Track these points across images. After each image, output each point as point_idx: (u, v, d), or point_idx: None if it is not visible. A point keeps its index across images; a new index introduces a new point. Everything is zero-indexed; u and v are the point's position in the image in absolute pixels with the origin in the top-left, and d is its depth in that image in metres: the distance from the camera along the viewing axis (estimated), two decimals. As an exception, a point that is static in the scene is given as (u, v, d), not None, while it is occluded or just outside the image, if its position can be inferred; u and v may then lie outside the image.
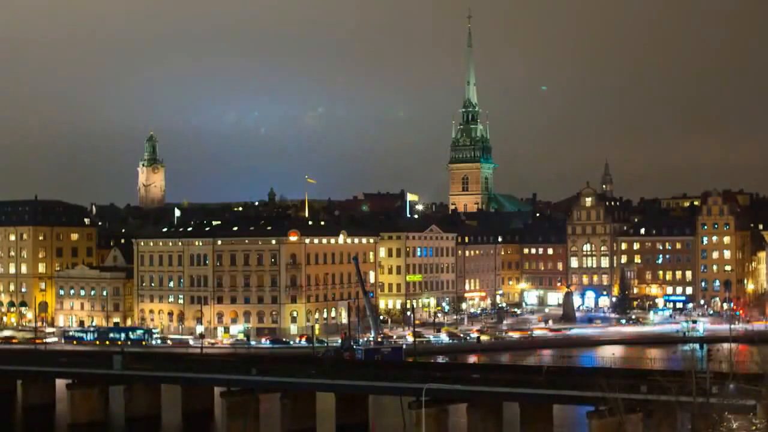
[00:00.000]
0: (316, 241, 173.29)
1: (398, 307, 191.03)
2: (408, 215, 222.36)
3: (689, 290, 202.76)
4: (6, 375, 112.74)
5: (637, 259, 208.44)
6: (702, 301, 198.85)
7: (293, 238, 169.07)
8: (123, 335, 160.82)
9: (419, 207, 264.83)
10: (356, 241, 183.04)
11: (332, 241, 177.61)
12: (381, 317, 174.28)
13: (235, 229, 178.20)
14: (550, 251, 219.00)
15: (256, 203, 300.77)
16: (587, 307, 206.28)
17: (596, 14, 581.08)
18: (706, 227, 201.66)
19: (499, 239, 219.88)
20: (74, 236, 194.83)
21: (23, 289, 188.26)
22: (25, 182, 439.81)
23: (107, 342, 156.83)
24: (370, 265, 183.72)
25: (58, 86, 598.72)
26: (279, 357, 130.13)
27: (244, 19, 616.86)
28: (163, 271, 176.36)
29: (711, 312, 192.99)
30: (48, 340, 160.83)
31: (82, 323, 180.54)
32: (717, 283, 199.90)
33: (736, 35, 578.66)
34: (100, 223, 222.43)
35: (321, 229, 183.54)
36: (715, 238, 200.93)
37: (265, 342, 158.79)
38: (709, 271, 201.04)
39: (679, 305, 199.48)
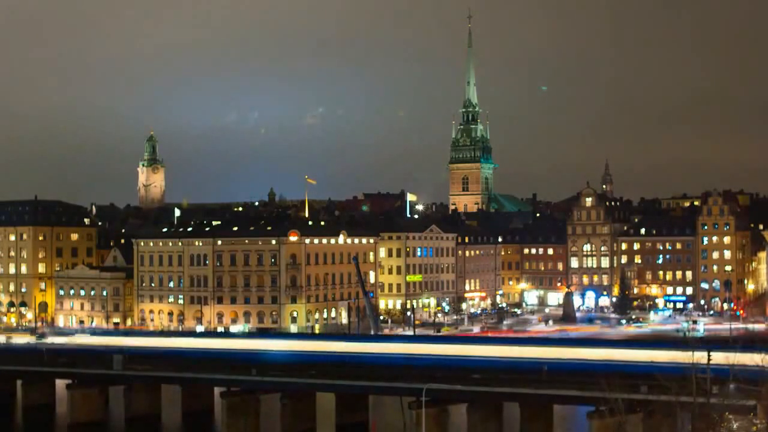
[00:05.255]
0: (316, 241, 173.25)
1: (398, 307, 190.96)
2: (408, 215, 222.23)
3: (689, 290, 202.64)
4: (6, 375, 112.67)
5: (638, 259, 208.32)
6: (702, 302, 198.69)
7: (293, 238, 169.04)
8: None
9: (419, 207, 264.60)
10: (356, 241, 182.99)
11: (332, 241, 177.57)
12: (381, 317, 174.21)
13: (235, 229, 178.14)
14: (550, 251, 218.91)
15: (256, 203, 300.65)
16: (587, 307, 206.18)
17: (596, 14, 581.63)
18: (706, 227, 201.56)
19: (499, 239, 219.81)
20: (74, 236, 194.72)
21: (23, 289, 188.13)
22: (25, 182, 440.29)
23: None
24: (370, 265, 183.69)
25: (58, 86, 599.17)
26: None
27: (244, 19, 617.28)
28: (163, 271, 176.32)
29: (711, 312, 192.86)
30: None
31: (81, 323, 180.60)
32: (717, 283, 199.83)
33: (735, 35, 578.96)
34: (100, 223, 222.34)
35: (321, 229, 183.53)
36: (715, 238, 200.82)
37: None
38: (710, 271, 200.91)
39: (680, 305, 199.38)
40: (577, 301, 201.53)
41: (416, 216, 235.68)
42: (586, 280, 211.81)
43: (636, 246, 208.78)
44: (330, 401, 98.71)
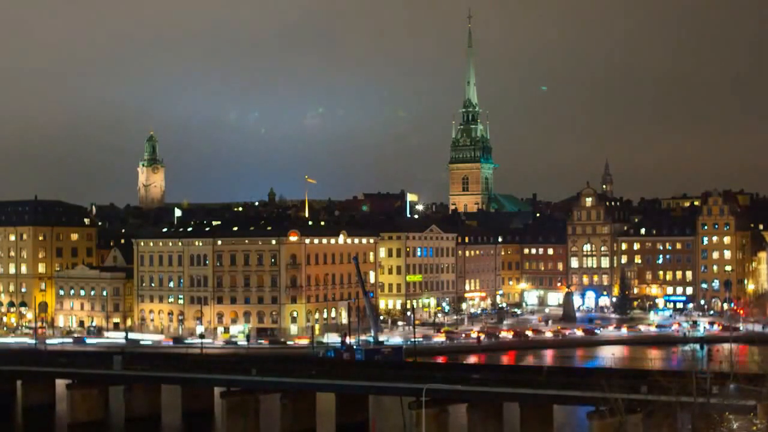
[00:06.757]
0: (316, 241, 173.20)
1: (398, 307, 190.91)
2: (408, 215, 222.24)
3: (689, 290, 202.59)
4: (6, 375, 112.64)
5: (638, 259, 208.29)
6: (702, 301, 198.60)
7: (293, 238, 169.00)
8: None
9: (419, 207, 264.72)
10: (356, 241, 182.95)
11: (332, 241, 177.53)
12: (381, 317, 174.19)
13: (235, 229, 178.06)
14: (550, 251, 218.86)
15: (256, 203, 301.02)
16: (587, 307, 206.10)
17: (596, 14, 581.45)
18: (706, 227, 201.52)
19: (499, 239, 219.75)
20: (74, 236, 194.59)
21: (23, 289, 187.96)
22: (25, 182, 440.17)
23: None
24: (370, 265, 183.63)
25: (58, 86, 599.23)
26: (279, 357, 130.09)
27: (244, 19, 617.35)
28: (163, 271, 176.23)
29: (711, 312, 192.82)
30: None
31: (81, 323, 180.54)
32: (717, 283, 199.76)
33: (736, 36, 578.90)
34: (100, 223, 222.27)
35: (321, 229, 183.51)
36: (715, 238, 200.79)
37: None
38: (710, 271, 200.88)
39: (680, 305, 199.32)
40: (577, 301, 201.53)
41: (416, 216, 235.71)
42: (586, 280, 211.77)
43: (636, 246, 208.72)
44: (330, 401, 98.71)
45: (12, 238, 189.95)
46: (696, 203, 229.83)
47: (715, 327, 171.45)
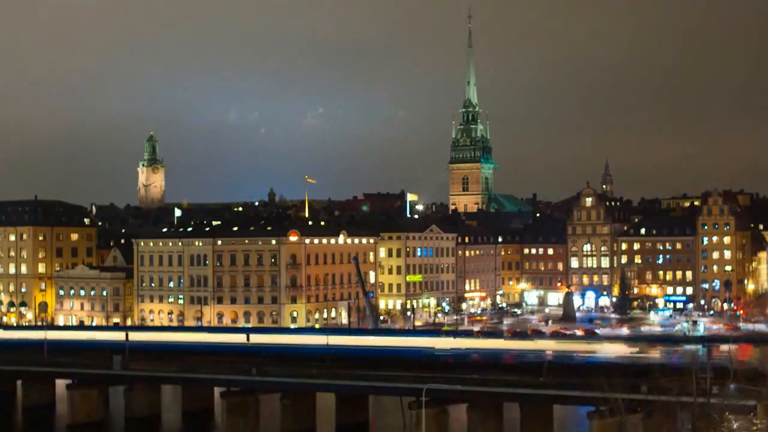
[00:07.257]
0: (316, 241, 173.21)
1: (398, 307, 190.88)
2: (408, 215, 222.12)
3: (689, 290, 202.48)
4: (6, 375, 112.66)
5: (638, 259, 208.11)
6: (702, 301, 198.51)
7: (293, 238, 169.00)
8: None
9: (419, 207, 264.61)
10: (356, 241, 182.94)
11: (332, 241, 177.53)
12: (381, 317, 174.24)
13: (235, 229, 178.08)
14: (550, 251, 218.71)
15: (256, 203, 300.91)
16: (587, 308, 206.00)
17: (596, 14, 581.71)
18: (706, 227, 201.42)
19: (499, 239, 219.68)
20: (74, 236, 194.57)
21: (23, 289, 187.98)
22: (25, 182, 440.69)
23: None
24: (370, 265, 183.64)
25: (58, 86, 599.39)
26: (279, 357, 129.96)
27: (244, 19, 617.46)
28: (163, 271, 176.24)
29: (711, 312, 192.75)
30: None
31: (81, 323, 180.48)
32: (717, 283, 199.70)
33: (736, 36, 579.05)
34: (100, 223, 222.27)
35: (321, 229, 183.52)
36: (715, 238, 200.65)
37: None
38: (710, 271, 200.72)
39: (680, 305, 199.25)
40: (577, 301, 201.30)
41: (416, 216, 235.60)
42: (586, 280, 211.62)
43: (636, 246, 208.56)
44: (330, 401, 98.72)
45: (12, 238, 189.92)
46: (696, 203, 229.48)
47: (716, 327, 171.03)
